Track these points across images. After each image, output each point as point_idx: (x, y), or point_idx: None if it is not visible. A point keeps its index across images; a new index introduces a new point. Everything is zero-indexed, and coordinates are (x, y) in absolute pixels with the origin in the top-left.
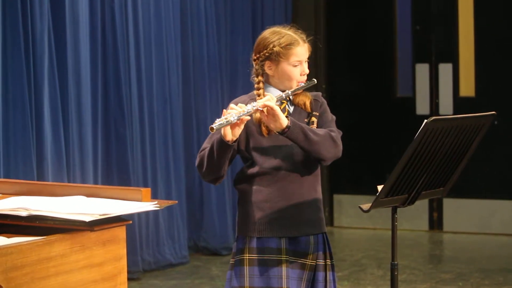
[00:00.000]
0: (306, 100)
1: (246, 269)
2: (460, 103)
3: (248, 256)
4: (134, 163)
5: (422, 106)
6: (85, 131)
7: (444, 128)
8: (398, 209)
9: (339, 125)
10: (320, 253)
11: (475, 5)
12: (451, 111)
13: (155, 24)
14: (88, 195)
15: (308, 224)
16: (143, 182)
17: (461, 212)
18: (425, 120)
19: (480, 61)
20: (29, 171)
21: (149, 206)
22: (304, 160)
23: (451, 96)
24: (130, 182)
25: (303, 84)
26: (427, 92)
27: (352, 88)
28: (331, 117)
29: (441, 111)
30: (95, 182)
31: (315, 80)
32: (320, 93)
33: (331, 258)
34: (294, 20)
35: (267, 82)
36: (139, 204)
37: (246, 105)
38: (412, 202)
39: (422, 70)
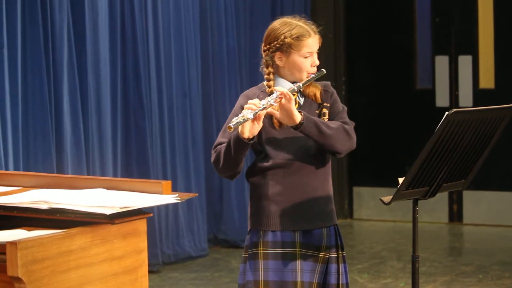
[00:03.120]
0: (316, 91)
1: (261, 262)
2: (479, 95)
3: (263, 250)
4: (154, 156)
5: (442, 98)
6: (104, 123)
7: (466, 120)
8: (418, 202)
9: (359, 118)
10: (333, 245)
11: None
12: (470, 103)
13: (174, 16)
14: (108, 188)
15: (321, 216)
16: (163, 175)
17: (481, 205)
18: (446, 112)
19: (500, 53)
20: (48, 163)
21: (170, 198)
22: (317, 152)
23: (470, 88)
24: (149, 174)
25: (313, 75)
26: (446, 84)
27: (372, 80)
28: (342, 107)
29: (461, 103)
30: (115, 175)
31: (324, 70)
32: (329, 83)
33: (342, 250)
34: (313, 12)
35: (277, 73)
36: (159, 196)
37: (258, 98)
38: (433, 194)
39: (442, 62)
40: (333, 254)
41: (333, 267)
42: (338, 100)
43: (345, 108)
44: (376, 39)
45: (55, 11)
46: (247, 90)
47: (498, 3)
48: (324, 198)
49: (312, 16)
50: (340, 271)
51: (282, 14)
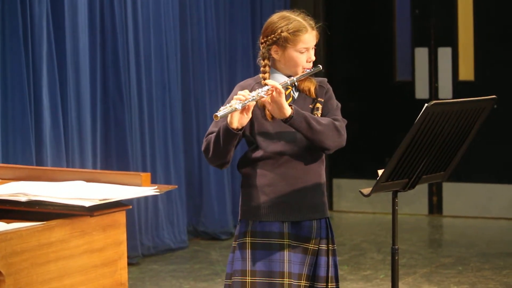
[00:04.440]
0: (311, 86)
1: (248, 252)
2: (459, 87)
3: (251, 240)
4: (133, 148)
5: (422, 90)
6: (84, 116)
7: (445, 112)
8: (398, 194)
9: None
10: (323, 238)
11: None
12: (450, 95)
13: (154, 9)
14: (87, 180)
15: (311, 208)
16: (142, 167)
17: (460, 196)
18: (426, 104)
19: (479, 45)
20: (28, 156)
21: (149, 191)
22: (308, 145)
23: (450, 80)
24: (129, 167)
25: (308, 70)
26: (426, 76)
27: (351, 72)
28: (336, 104)
29: (441, 95)
30: (94, 167)
31: (321, 66)
32: (325, 79)
33: (333, 243)
34: (292, 4)
35: (273, 66)
36: (139, 189)
37: (251, 90)
38: (412, 186)
39: (421, 54)
40: (323, 246)
41: (322, 259)
42: (333, 97)
43: (339, 105)
44: (356, 31)
45: (34, 4)
46: (243, 81)
47: None
48: (314, 191)
49: (292, 7)
50: (330, 263)
51: (262, 7)
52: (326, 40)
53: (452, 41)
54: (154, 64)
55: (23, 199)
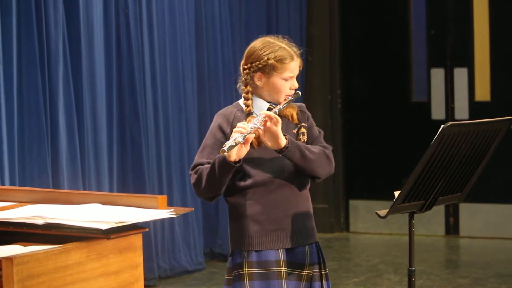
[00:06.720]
0: (293, 111)
1: (246, 284)
2: (475, 108)
3: (248, 271)
4: (150, 170)
5: (438, 111)
6: (100, 138)
7: (461, 133)
8: (415, 215)
9: (355, 131)
10: (315, 263)
11: (490, 9)
12: (466, 116)
13: (169, 31)
14: (104, 203)
15: (303, 234)
16: (159, 189)
17: (477, 217)
18: (442, 125)
19: (495, 65)
20: (44, 179)
21: (166, 213)
22: (296, 170)
23: (466, 101)
24: (145, 189)
25: (290, 97)
26: (442, 96)
27: (367, 92)
28: (318, 131)
29: (457, 116)
30: (111, 190)
31: (300, 92)
32: (304, 104)
33: (325, 267)
34: (308, 25)
35: (254, 92)
36: (155, 211)
37: (233, 118)
38: (429, 207)
39: (438, 75)
40: (316, 271)
41: (317, 284)
42: (314, 123)
43: (322, 132)
44: (372, 52)
45: (51, 27)
46: (223, 109)
47: (493, 15)
48: (305, 216)
49: (308, 28)
50: None
51: (278, 27)
52: (342, 61)
53: (468, 62)
54: (170, 86)
55: (39, 222)
